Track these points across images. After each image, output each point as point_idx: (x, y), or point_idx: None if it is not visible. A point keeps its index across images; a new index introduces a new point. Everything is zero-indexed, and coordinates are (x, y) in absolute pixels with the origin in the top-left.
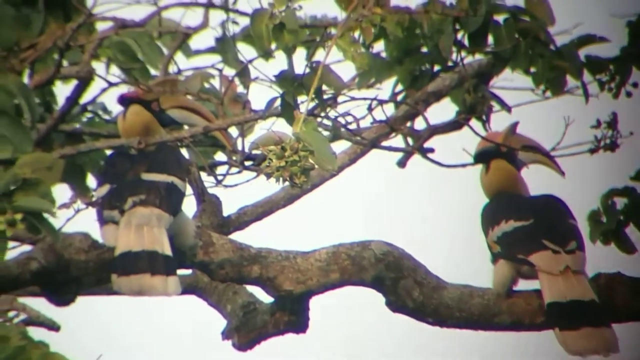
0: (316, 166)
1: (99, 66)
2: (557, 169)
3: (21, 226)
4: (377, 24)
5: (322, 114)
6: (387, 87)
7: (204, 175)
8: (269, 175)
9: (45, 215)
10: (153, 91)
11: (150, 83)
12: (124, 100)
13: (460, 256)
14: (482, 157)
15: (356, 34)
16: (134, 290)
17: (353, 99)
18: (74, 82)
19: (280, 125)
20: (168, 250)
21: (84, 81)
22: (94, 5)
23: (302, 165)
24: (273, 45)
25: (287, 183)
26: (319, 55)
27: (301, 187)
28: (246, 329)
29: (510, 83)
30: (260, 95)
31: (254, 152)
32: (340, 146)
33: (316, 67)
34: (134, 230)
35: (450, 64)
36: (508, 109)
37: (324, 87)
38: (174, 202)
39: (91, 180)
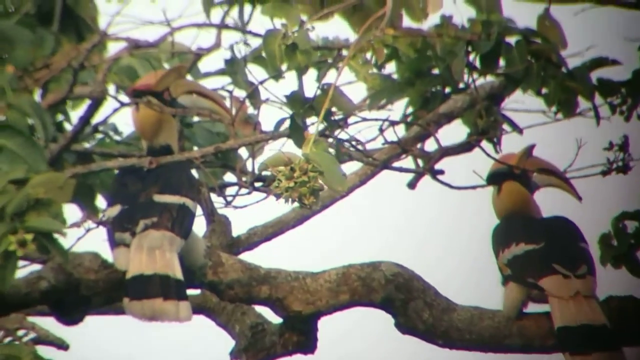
0: (325, 187)
1: (109, 86)
2: (574, 194)
3: (32, 246)
4: (389, 45)
5: (331, 136)
6: (397, 108)
7: (213, 195)
8: (278, 196)
9: (56, 235)
10: (163, 81)
11: (158, 74)
12: (136, 93)
13: (470, 278)
14: (495, 178)
15: (368, 54)
16: (146, 315)
17: (364, 119)
18: (85, 102)
19: (290, 146)
20: (180, 275)
21: (97, 101)
22: (108, 26)
23: (312, 186)
24: (283, 66)
25: (296, 204)
26: (330, 76)
27: (310, 208)
28: (254, 350)
29: (522, 105)
30: (271, 116)
31: (264, 173)
32: (351, 167)
33: (326, 89)
34: (145, 254)
35: (461, 85)
36: (519, 130)
37: (334, 109)
38: (186, 225)
39: (101, 201)
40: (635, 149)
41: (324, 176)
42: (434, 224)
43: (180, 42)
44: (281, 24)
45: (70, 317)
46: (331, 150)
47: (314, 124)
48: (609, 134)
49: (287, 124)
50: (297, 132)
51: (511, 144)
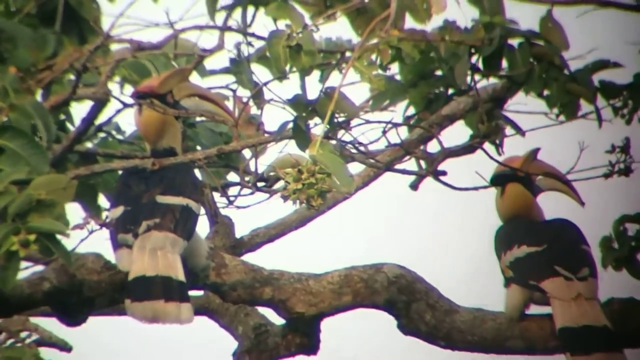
0: (333, 189)
1: (113, 87)
2: (576, 199)
3: (34, 247)
4: (393, 46)
5: (334, 138)
6: (400, 109)
7: (216, 196)
8: (285, 198)
9: (59, 237)
10: (166, 84)
11: (161, 76)
12: (139, 95)
13: (473, 279)
14: (499, 180)
15: (373, 56)
16: (147, 316)
17: (368, 122)
18: (87, 103)
19: (293, 147)
20: (182, 277)
21: (100, 102)
22: (111, 27)
23: (319, 188)
24: (287, 67)
25: (300, 205)
26: (333, 78)
27: (317, 210)
28: (257, 351)
29: (524, 107)
30: (274, 116)
31: (270, 174)
32: (354, 169)
33: (330, 93)
34: (148, 255)
35: (464, 87)
36: (522, 133)
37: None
38: (189, 226)
39: (103, 201)
40: (637, 152)
41: (331, 178)
42: (436, 226)
43: (185, 39)
44: (285, 25)
45: (73, 318)
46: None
47: (318, 125)
48: (611, 136)
49: (290, 126)
50: (300, 134)
51: (513, 146)
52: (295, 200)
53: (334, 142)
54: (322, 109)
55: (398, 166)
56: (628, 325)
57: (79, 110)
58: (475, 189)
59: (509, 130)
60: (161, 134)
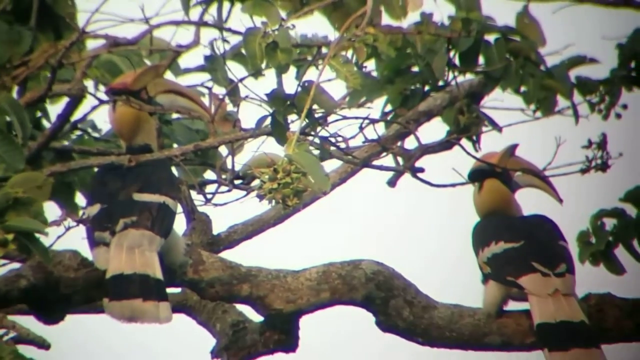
0: (309, 188)
1: (88, 84)
2: (555, 196)
3: (12, 246)
4: (369, 44)
5: (313, 134)
6: (377, 106)
7: (193, 193)
8: (261, 197)
9: (37, 235)
10: (140, 80)
11: (135, 73)
12: (112, 92)
13: (451, 275)
14: (476, 176)
15: (349, 53)
16: (125, 315)
17: (345, 117)
18: (64, 100)
19: (270, 145)
20: (160, 275)
21: (76, 99)
22: (87, 24)
23: (295, 188)
24: (263, 64)
25: (276, 204)
26: (310, 74)
27: (293, 209)
28: (236, 348)
29: (501, 103)
30: (251, 114)
31: (243, 172)
32: (331, 165)
33: (308, 87)
34: (125, 253)
35: (441, 83)
36: (499, 128)
37: (315, 107)
38: (166, 224)
39: (80, 199)
40: (613, 147)
41: (307, 177)
42: (414, 222)
43: (159, 38)
44: (261, 23)
45: (51, 316)
46: (317, 148)
47: (295, 122)
48: (587, 132)
49: (267, 121)
50: (278, 129)
51: (491, 143)
52: (271, 200)
53: (311, 138)
54: (300, 103)
55: (375, 162)
56: (605, 320)
57: (55, 109)
58: (453, 185)
59: (486, 127)
60: (135, 130)
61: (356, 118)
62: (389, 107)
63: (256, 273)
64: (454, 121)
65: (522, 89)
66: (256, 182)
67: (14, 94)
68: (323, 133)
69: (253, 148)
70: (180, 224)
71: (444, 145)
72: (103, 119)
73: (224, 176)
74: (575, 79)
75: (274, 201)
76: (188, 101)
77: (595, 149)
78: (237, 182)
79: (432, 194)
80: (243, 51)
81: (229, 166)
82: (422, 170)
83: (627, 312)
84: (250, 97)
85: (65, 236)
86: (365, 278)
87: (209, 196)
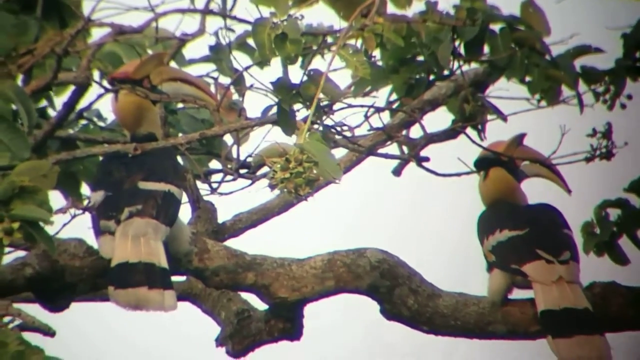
0: (320, 177)
1: (93, 72)
2: (563, 186)
3: (18, 235)
4: (379, 34)
5: (319, 122)
6: (383, 94)
7: (198, 182)
8: (273, 187)
9: (42, 224)
10: (142, 69)
11: (137, 62)
12: (114, 82)
13: (456, 264)
14: (482, 164)
15: (358, 43)
16: (130, 303)
17: (350, 106)
18: (69, 90)
19: (275, 134)
20: (165, 263)
21: (82, 87)
22: (92, 12)
23: (307, 177)
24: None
25: (288, 194)
26: (315, 63)
27: (306, 199)
28: (240, 336)
29: (506, 92)
30: (256, 103)
31: (250, 160)
32: (336, 154)
33: (313, 76)
34: (130, 241)
35: (446, 72)
36: (503, 118)
37: (320, 95)
38: (171, 213)
39: (85, 189)
40: (618, 137)
41: (318, 166)
42: (419, 211)
43: (164, 28)
44: (270, 13)
45: (56, 304)
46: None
47: (300, 111)
48: (592, 121)
49: (274, 110)
50: (285, 118)
51: (496, 132)
52: (282, 189)
53: (316, 126)
54: (306, 92)
55: (381, 151)
56: (610, 308)
57: (60, 100)
58: (458, 174)
59: (491, 115)
60: (139, 120)
61: (362, 106)
62: (394, 96)
63: (261, 261)
64: (459, 110)
65: (527, 78)
66: (262, 171)
67: (19, 82)
68: (328, 122)
69: (258, 138)
70: (185, 213)
71: (449, 134)
72: (108, 108)
73: (229, 165)
74: (580, 68)
75: (285, 191)
76: (193, 89)
77: (600, 138)
78: (242, 171)
79: (437, 183)
80: (249, 41)
81: (234, 155)
82: (427, 159)
83: (631, 300)
84: (256, 86)
85: (71, 224)
86: (370, 266)
87: (214, 185)
